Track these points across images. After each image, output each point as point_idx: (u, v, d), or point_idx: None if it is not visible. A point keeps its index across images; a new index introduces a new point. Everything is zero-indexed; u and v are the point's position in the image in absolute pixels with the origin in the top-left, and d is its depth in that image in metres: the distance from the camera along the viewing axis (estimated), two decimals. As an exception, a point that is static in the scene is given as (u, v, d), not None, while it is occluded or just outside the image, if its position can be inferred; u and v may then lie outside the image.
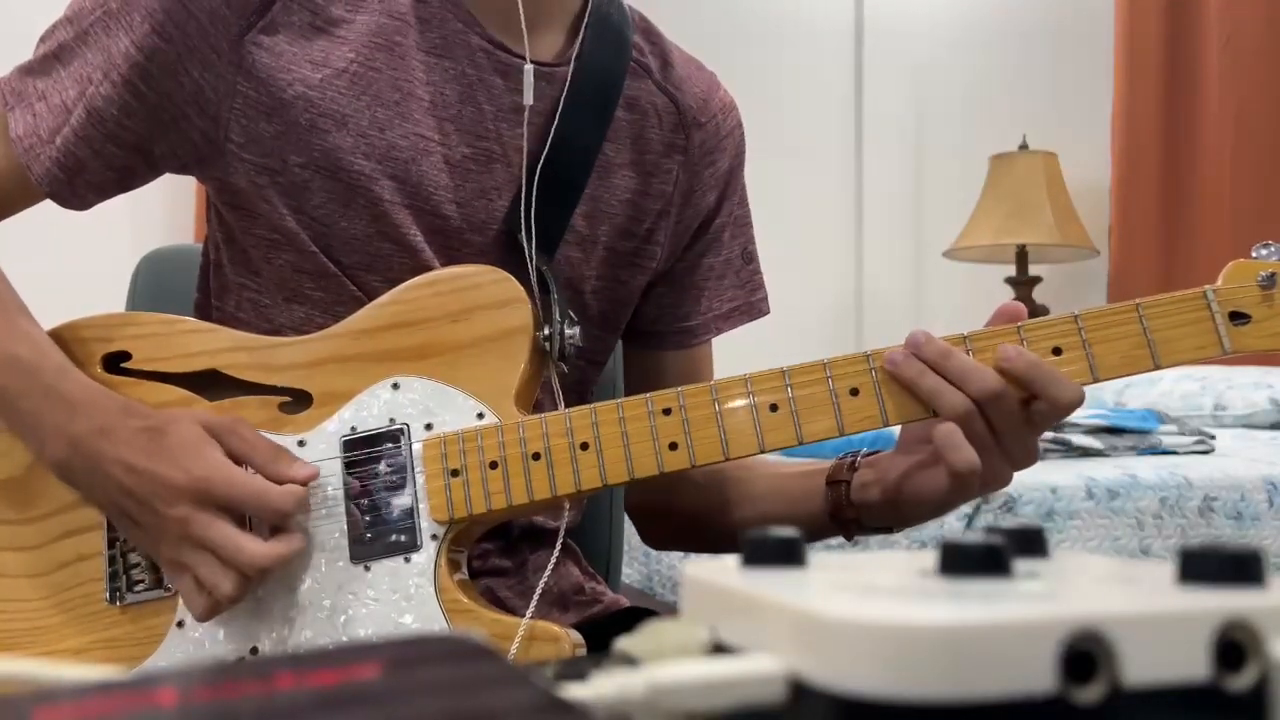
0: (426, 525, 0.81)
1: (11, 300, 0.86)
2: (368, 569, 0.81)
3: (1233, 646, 0.24)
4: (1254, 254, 0.81)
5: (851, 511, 0.89)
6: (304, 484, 0.79)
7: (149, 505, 0.77)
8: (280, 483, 0.78)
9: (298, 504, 0.78)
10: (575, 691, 0.24)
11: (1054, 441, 1.92)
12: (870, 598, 0.26)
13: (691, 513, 1.03)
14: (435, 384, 0.84)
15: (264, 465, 0.79)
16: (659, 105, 0.98)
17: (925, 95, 3.59)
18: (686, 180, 1.00)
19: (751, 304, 1.07)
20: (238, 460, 0.79)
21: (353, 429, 0.83)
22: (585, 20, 0.94)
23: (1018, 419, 0.77)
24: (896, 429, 0.85)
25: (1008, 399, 0.77)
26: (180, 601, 0.81)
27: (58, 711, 0.22)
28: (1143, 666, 0.23)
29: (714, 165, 1.02)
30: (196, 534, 0.76)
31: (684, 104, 1.00)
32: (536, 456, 0.81)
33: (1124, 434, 2.00)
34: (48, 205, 0.90)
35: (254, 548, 0.76)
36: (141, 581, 0.83)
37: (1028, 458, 0.80)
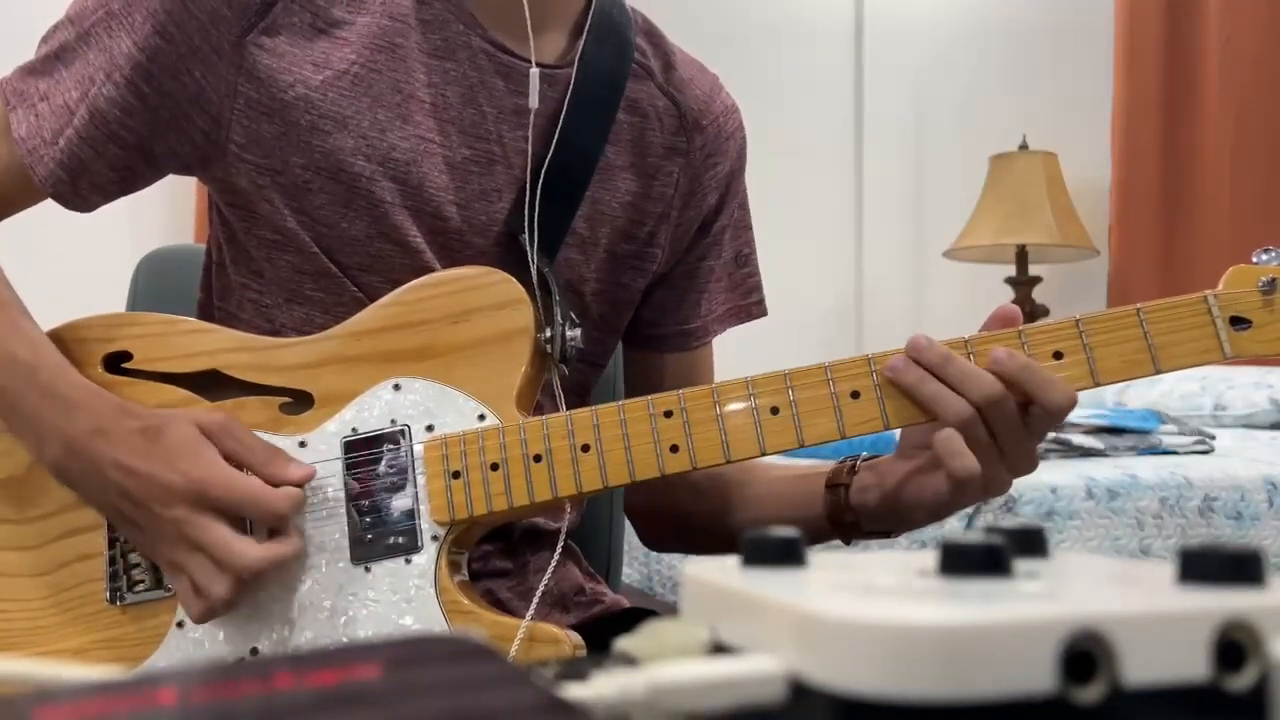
0: (427, 526, 0.81)
1: (11, 300, 0.86)
2: (368, 570, 0.81)
3: (1233, 646, 0.24)
4: (1255, 259, 0.81)
5: (850, 515, 0.89)
6: (300, 485, 0.79)
7: (145, 507, 0.77)
8: (276, 484, 0.78)
9: (294, 506, 0.78)
10: (575, 691, 0.24)
11: (1054, 441, 1.92)
12: (870, 598, 0.26)
13: (691, 515, 1.03)
14: (436, 385, 0.84)
15: (260, 466, 0.79)
16: (660, 107, 0.98)
17: (925, 95, 3.59)
18: (687, 183, 1.00)
19: (744, 307, 1.07)
20: (234, 461, 0.78)
21: (354, 430, 0.83)
22: (588, 22, 0.94)
23: (1017, 424, 0.77)
24: (898, 432, 0.85)
25: (1008, 404, 0.76)
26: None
27: (58, 711, 0.22)
28: (1143, 666, 0.23)
29: (715, 168, 1.01)
30: (192, 536, 0.76)
31: (686, 106, 0.99)
32: (538, 458, 0.81)
33: (1124, 434, 2.00)
34: (48, 205, 0.90)
35: (249, 550, 0.76)
36: (142, 582, 0.83)
37: (1028, 464, 0.80)
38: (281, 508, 0.77)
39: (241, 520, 0.78)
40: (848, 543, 0.93)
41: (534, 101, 0.89)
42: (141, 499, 0.77)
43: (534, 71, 0.89)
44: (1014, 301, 3.22)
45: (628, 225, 0.97)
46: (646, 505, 1.08)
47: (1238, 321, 0.79)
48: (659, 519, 1.08)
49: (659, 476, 0.81)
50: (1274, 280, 0.79)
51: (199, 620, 0.79)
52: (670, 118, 0.99)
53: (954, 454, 0.76)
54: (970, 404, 0.76)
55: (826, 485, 0.90)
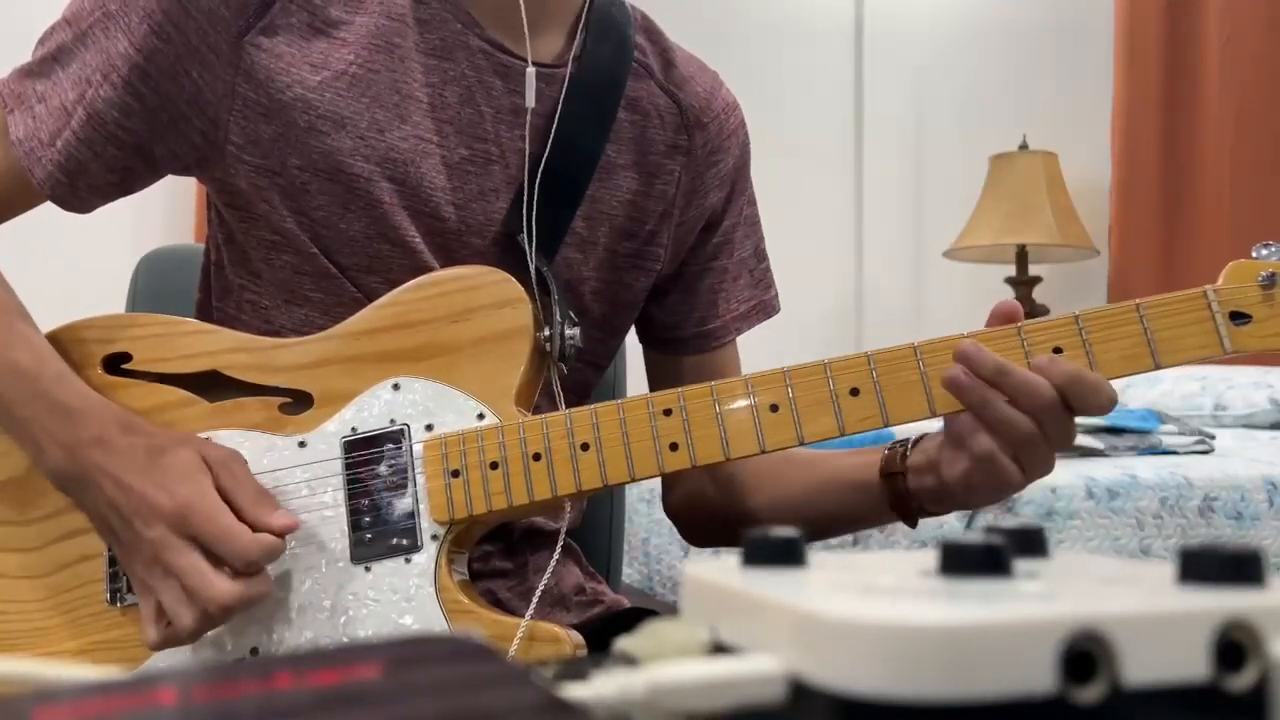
0: (427, 526, 0.81)
1: (11, 305, 0.85)
2: (368, 569, 0.81)
3: (1233, 646, 0.24)
4: (1254, 254, 0.81)
5: (914, 501, 0.89)
6: (281, 535, 0.78)
7: (129, 523, 0.77)
8: (258, 529, 0.77)
9: (266, 554, 0.76)
10: (575, 691, 0.24)
11: (1054, 441, 1.91)
12: (870, 598, 0.26)
13: (743, 513, 1.01)
14: (436, 385, 0.84)
15: (246, 507, 0.78)
16: (661, 106, 0.98)
17: (925, 95, 3.59)
18: (689, 181, 0.99)
19: (765, 302, 1.07)
20: (225, 497, 0.77)
21: (353, 430, 0.83)
22: (586, 20, 0.94)
23: (1069, 425, 0.78)
24: (896, 428, 0.85)
25: (1061, 410, 0.77)
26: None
27: (58, 711, 0.22)
28: (1143, 666, 0.23)
29: (717, 165, 1.01)
30: (167, 559, 0.75)
31: (686, 104, 0.99)
32: (537, 457, 0.81)
33: (1124, 434, 2.00)
34: (48, 206, 0.90)
35: (221, 585, 0.75)
36: (142, 582, 0.83)
37: (1068, 439, 0.80)
38: (252, 553, 0.76)
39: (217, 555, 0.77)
40: (913, 525, 0.93)
41: (530, 101, 0.89)
42: (127, 514, 0.77)
43: (530, 71, 0.89)
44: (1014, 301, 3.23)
45: (628, 224, 0.97)
46: (691, 505, 1.06)
47: (1237, 316, 0.79)
48: (705, 519, 1.06)
49: (659, 474, 0.81)
50: (1274, 275, 0.79)
51: (154, 648, 0.78)
52: (671, 116, 0.99)
53: (1005, 469, 0.78)
54: (1033, 421, 0.77)
55: (881, 475, 0.90)
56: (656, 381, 1.07)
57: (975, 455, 0.80)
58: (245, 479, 0.79)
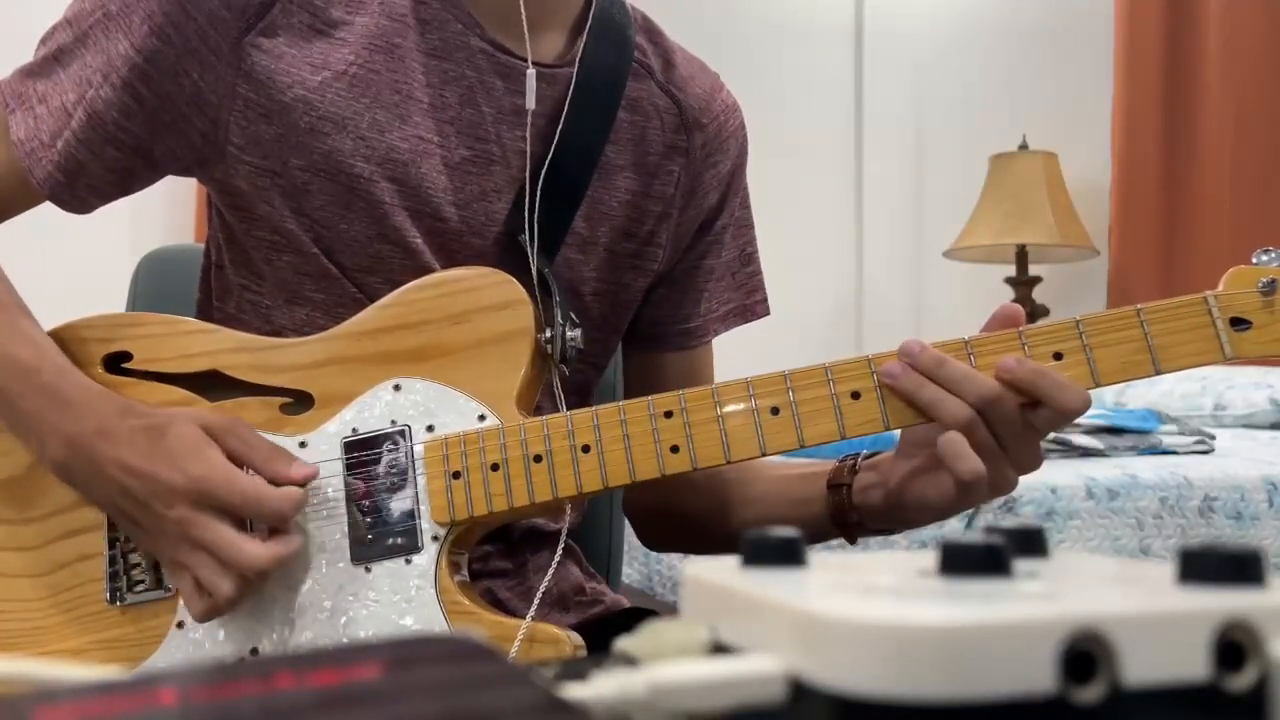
0: (427, 527, 0.81)
1: (12, 301, 0.86)
2: (368, 570, 0.81)
3: (1233, 646, 0.24)
4: (1254, 260, 0.81)
5: (854, 515, 0.89)
6: (302, 485, 0.79)
7: (148, 506, 0.77)
8: (278, 483, 0.78)
9: (295, 506, 0.78)
10: (575, 691, 0.24)
11: (1054, 441, 1.92)
12: (870, 598, 0.26)
13: (691, 514, 1.03)
14: (436, 386, 0.84)
15: (262, 466, 0.79)
16: (661, 106, 0.98)
17: (925, 95, 3.59)
18: (688, 181, 1.00)
19: (747, 306, 1.07)
20: (237, 461, 0.78)
21: (354, 430, 0.83)
22: (588, 21, 0.94)
23: (1018, 423, 0.77)
24: (898, 432, 0.85)
25: (1007, 404, 0.76)
26: (180, 602, 0.81)
27: (58, 711, 0.22)
28: (1143, 666, 0.23)
29: (716, 166, 1.01)
30: (195, 535, 0.76)
31: (686, 105, 0.99)
32: (538, 458, 0.81)
33: (1124, 434, 2.00)
34: (48, 206, 0.90)
35: (253, 549, 0.76)
36: (142, 582, 0.83)
37: (1032, 462, 0.80)
38: (283, 508, 0.77)
39: (243, 519, 0.78)
40: (852, 541, 0.93)
41: (531, 103, 0.89)
42: (144, 498, 0.77)
43: (530, 72, 0.89)
44: (1014, 301, 3.23)
45: (628, 224, 0.97)
46: (645, 505, 1.08)
47: (1238, 322, 0.79)
48: (659, 519, 1.08)
49: (659, 477, 0.81)
50: (1274, 281, 0.79)
51: (201, 619, 0.79)
52: (671, 116, 0.99)
53: (958, 456, 0.76)
54: (969, 406, 0.76)
55: (828, 485, 0.90)
56: (631, 377, 1.08)
57: (924, 460, 0.80)
58: (253, 439, 0.80)
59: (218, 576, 0.76)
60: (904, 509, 0.84)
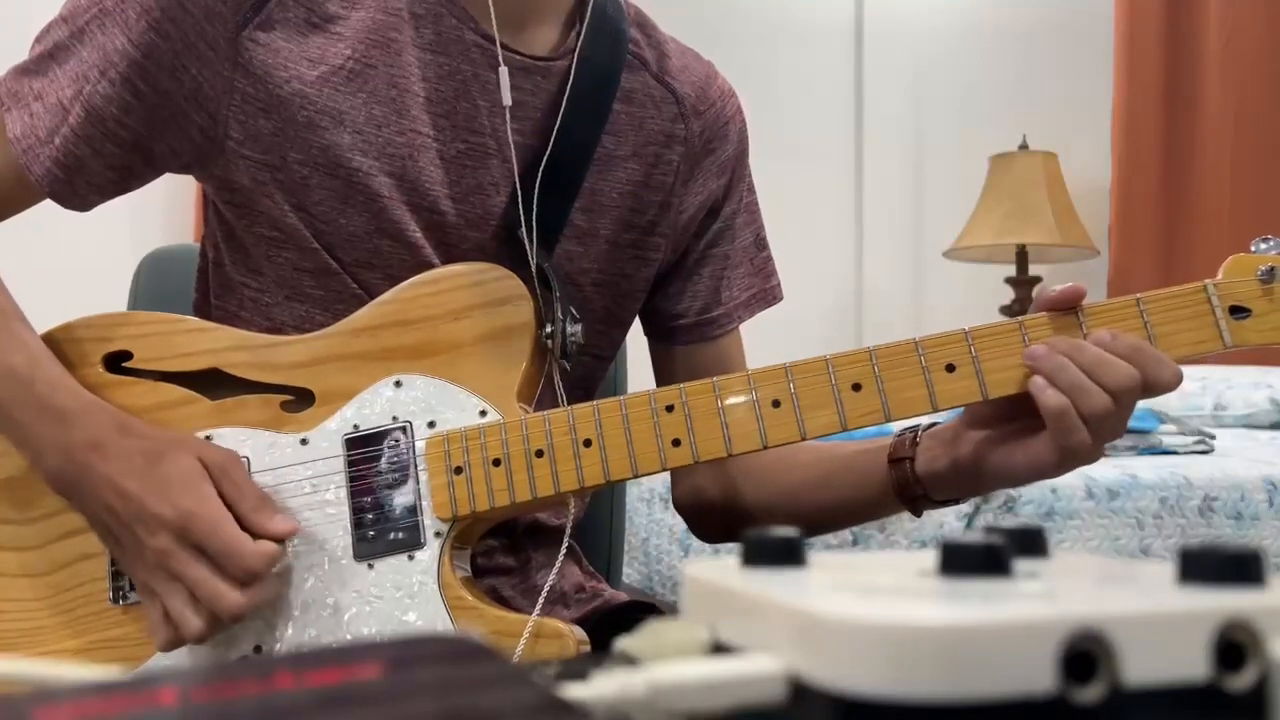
0: (430, 523, 0.81)
1: (8, 307, 0.85)
2: (371, 567, 0.81)
3: (1233, 646, 0.24)
4: (1254, 248, 0.81)
5: (919, 487, 0.88)
6: (281, 541, 0.78)
7: (129, 528, 0.77)
8: (257, 535, 0.77)
9: (268, 565, 0.77)
10: (575, 691, 0.24)
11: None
12: (870, 598, 0.26)
13: (754, 505, 1.01)
14: (437, 382, 0.84)
15: (246, 514, 0.78)
16: (657, 96, 0.98)
17: (925, 95, 3.59)
18: (688, 170, 1.00)
19: (767, 290, 1.07)
20: (225, 502, 0.78)
21: (355, 427, 0.83)
22: (584, 14, 0.95)
23: (1133, 406, 0.78)
24: (896, 424, 0.85)
25: (1138, 390, 0.76)
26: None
27: (58, 711, 0.22)
28: (1143, 666, 0.23)
29: (715, 153, 1.02)
30: (174, 568, 0.76)
31: (682, 93, 1.00)
32: (539, 453, 0.81)
33: (1124, 434, 2.00)
34: (47, 205, 0.90)
35: (230, 596, 0.75)
36: (142, 581, 0.83)
37: (1114, 434, 0.80)
38: (256, 565, 0.76)
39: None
40: (917, 514, 0.93)
41: (507, 99, 0.89)
42: (128, 520, 0.77)
43: (503, 70, 0.89)
44: (1014, 301, 3.23)
45: (628, 215, 0.97)
46: (700, 500, 1.06)
47: (1237, 310, 0.79)
48: (718, 513, 1.06)
49: (662, 469, 0.81)
50: (1273, 269, 0.79)
51: (164, 649, 0.78)
52: (668, 106, 0.99)
53: (1070, 429, 0.76)
54: (1109, 395, 0.76)
55: (889, 460, 0.90)
56: (661, 373, 1.07)
57: (1003, 430, 0.81)
58: (245, 484, 0.79)
59: (189, 611, 0.76)
60: (980, 477, 0.84)
